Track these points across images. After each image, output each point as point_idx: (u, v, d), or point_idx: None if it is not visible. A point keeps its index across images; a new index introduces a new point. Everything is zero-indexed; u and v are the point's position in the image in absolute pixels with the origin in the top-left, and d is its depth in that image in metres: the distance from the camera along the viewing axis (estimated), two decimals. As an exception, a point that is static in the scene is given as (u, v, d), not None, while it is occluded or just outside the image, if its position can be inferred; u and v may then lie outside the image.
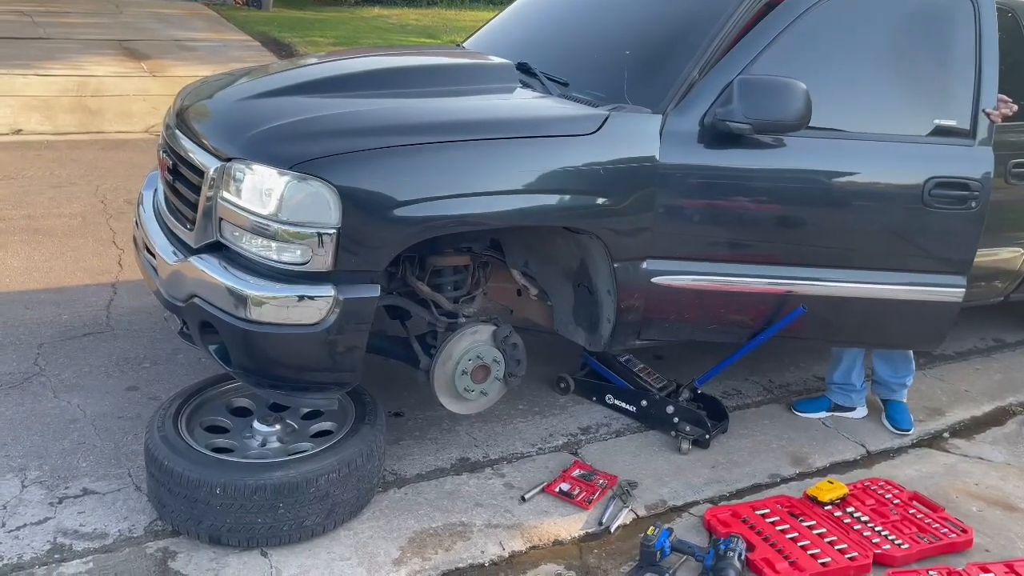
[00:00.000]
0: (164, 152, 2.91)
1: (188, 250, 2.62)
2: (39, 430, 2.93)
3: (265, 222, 2.39)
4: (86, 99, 8.34)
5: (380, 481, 2.74)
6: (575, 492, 2.81)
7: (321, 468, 2.45)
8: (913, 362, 3.43)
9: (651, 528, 2.53)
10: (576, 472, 2.92)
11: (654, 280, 2.84)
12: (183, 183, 2.72)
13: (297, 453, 2.57)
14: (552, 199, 2.64)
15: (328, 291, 2.40)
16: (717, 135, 2.74)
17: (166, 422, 2.56)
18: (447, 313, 2.86)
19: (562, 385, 3.45)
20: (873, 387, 3.51)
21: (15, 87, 8.25)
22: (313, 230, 2.37)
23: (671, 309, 2.96)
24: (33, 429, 2.93)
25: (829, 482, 2.89)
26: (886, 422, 3.43)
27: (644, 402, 3.27)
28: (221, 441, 2.64)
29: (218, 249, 2.54)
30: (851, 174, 2.93)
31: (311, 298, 2.40)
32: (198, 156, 2.63)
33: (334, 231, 2.37)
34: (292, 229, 2.37)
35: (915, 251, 3.01)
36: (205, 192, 2.52)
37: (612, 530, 2.67)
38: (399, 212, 2.44)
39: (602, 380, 3.41)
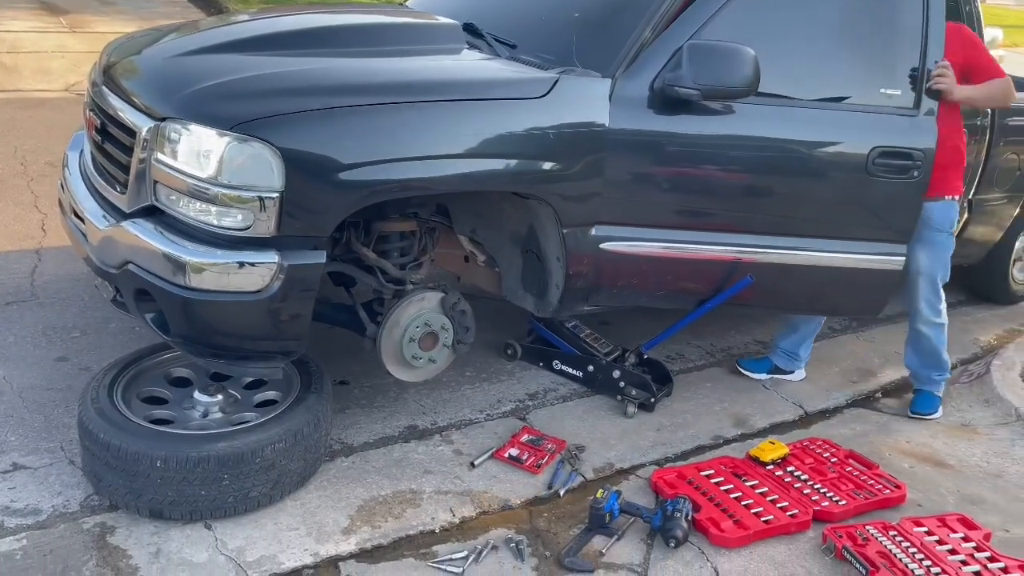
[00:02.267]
0: (91, 111, 2.76)
1: (120, 214, 2.50)
2: (-38, 404, 2.78)
3: (204, 185, 2.29)
4: (1, 56, 7.88)
5: (327, 450, 2.69)
6: (524, 457, 2.82)
7: (267, 438, 2.39)
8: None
9: (600, 491, 2.55)
10: (525, 437, 2.93)
11: (603, 246, 2.83)
12: (113, 143, 2.58)
13: (240, 423, 2.50)
14: (500, 163, 2.60)
15: (271, 257, 2.32)
16: (666, 100, 2.73)
17: (100, 393, 2.46)
18: (394, 280, 2.81)
19: (509, 351, 3.44)
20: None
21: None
22: (255, 194, 2.28)
23: (620, 275, 2.97)
24: (-45, 403, 2.78)
25: (770, 443, 2.96)
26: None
27: (591, 367, 3.29)
28: (160, 412, 2.55)
29: (153, 213, 2.42)
30: (798, 142, 2.95)
31: (253, 264, 2.31)
32: (128, 115, 2.50)
33: (277, 195, 2.29)
34: (233, 193, 2.28)
35: (858, 220, 3.08)
36: (138, 154, 2.40)
37: (561, 494, 2.69)
38: (344, 176, 2.37)
39: (549, 346, 3.42)
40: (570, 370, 3.35)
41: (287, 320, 2.42)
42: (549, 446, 2.89)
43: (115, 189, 2.55)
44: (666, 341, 3.42)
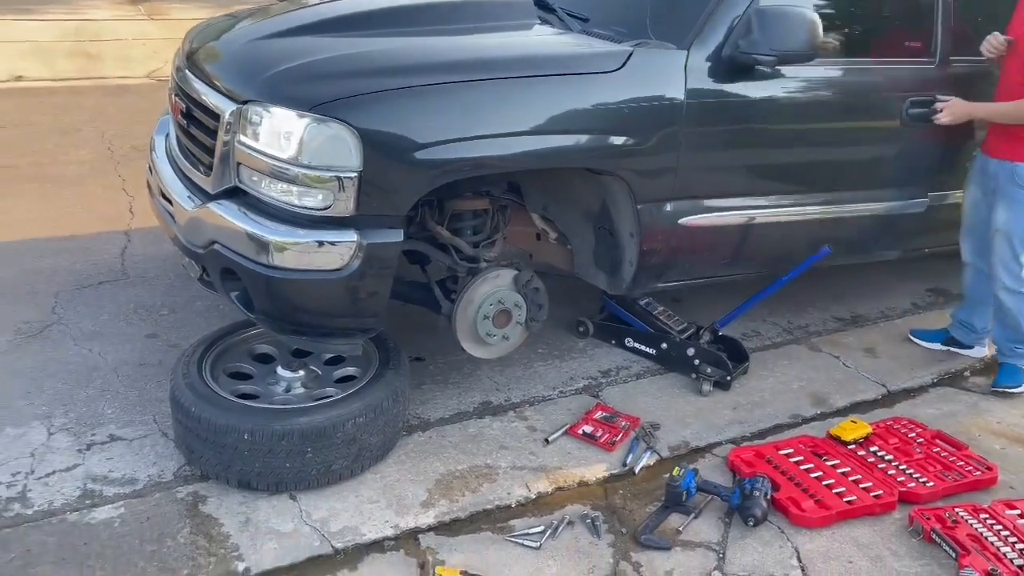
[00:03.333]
0: (176, 95, 2.85)
1: (206, 196, 2.58)
2: (62, 377, 2.93)
3: (285, 166, 2.34)
4: (85, 44, 8.19)
5: (405, 425, 2.74)
6: (598, 434, 2.82)
7: (348, 413, 2.45)
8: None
9: (676, 468, 2.54)
10: (598, 414, 2.93)
11: (680, 221, 2.81)
12: (197, 127, 2.66)
13: (322, 399, 2.57)
14: (574, 140, 2.58)
15: (351, 236, 2.37)
16: (736, 67, 2.75)
17: (190, 368, 2.55)
18: (467, 258, 2.83)
19: (581, 329, 3.44)
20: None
21: (13, 33, 8.09)
22: (334, 174, 2.32)
23: (695, 249, 2.95)
24: (56, 377, 2.93)
25: (852, 422, 2.89)
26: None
27: (664, 345, 3.26)
28: (245, 387, 2.63)
29: (237, 194, 2.49)
30: (853, 99, 3.08)
31: (333, 243, 2.36)
32: (212, 99, 2.57)
33: (356, 175, 2.32)
34: (313, 173, 2.33)
35: (900, 168, 3.25)
36: (221, 136, 2.47)
37: (636, 471, 2.68)
38: (421, 155, 2.39)
39: (621, 323, 3.40)
40: (643, 348, 3.32)
41: (366, 298, 2.47)
42: (623, 423, 2.88)
43: (200, 171, 2.63)
44: (742, 318, 3.37)
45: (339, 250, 2.37)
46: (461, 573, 2.18)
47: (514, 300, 2.81)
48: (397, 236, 2.43)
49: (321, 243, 2.36)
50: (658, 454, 2.79)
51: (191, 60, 2.85)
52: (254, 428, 2.36)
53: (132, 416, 2.76)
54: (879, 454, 2.75)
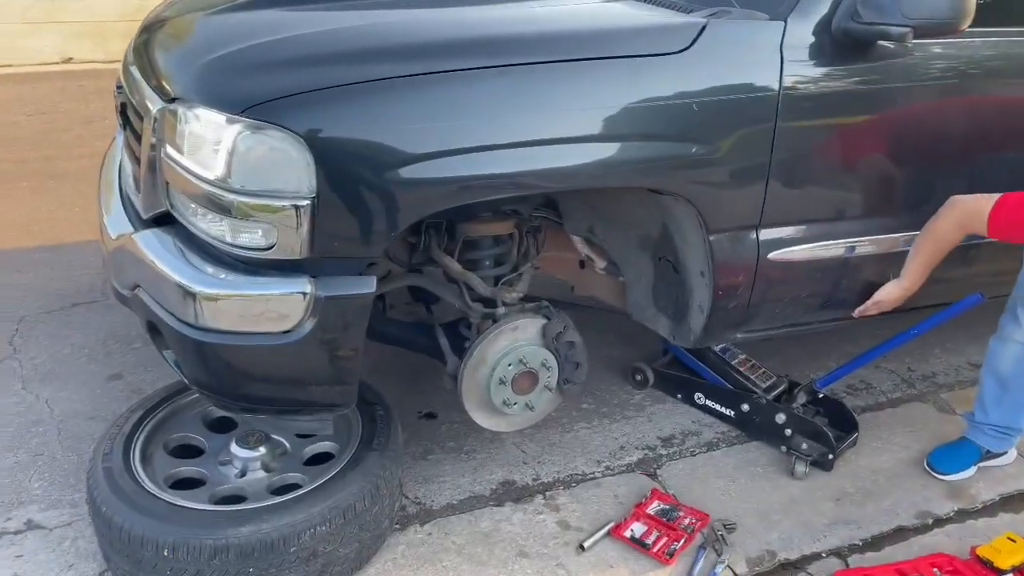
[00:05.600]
0: (117, 88, 2.26)
1: (139, 221, 1.97)
2: (-7, 436, 2.41)
3: (214, 189, 1.70)
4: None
5: (394, 521, 2.10)
6: (651, 539, 2.11)
7: (305, 521, 1.82)
8: None
9: (756, 609, 1.82)
10: (654, 507, 2.22)
11: (771, 256, 2.07)
12: (132, 131, 2.06)
13: (283, 488, 1.96)
14: (620, 150, 1.86)
15: (302, 286, 1.72)
16: (852, 44, 1.98)
17: (115, 447, 1.97)
18: (482, 298, 2.15)
19: (638, 377, 2.72)
20: None
21: (68, 11, 7.77)
22: (278, 201, 1.67)
23: (791, 291, 2.20)
24: (-14, 435, 2.41)
25: (1009, 539, 2.08)
26: None
27: (745, 406, 2.51)
28: (187, 470, 2.03)
29: (172, 222, 1.88)
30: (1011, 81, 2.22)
31: (278, 296, 1.72)
32: (143, 94, 1.96)
33: (307, 202, 1.67)
34: (249, 200, 1.68)
35: None
36: (147, 142, 1.86)
37: (701, 599, 1.98)
38: (402, 173, 1.71)
39: (690, 373, 2.66)
40: (717, 407, 2.58)
41: (328, 366, 1.82)
42: (686, 521, 2.17)
43: (136, 188, 2.03)
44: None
45: (286, 304, 1.72)
46: None
47: (541, 359, 2.12)
48: (367, 285, 1.77)
49: (262, 296, 1.72)
50: (732, 571, 2.07)
51: (141, 39, 2.25)
52: (176, 542, 1.76)
53: (62, 493, 2.21)
54: (1052, 593, 1.96)
